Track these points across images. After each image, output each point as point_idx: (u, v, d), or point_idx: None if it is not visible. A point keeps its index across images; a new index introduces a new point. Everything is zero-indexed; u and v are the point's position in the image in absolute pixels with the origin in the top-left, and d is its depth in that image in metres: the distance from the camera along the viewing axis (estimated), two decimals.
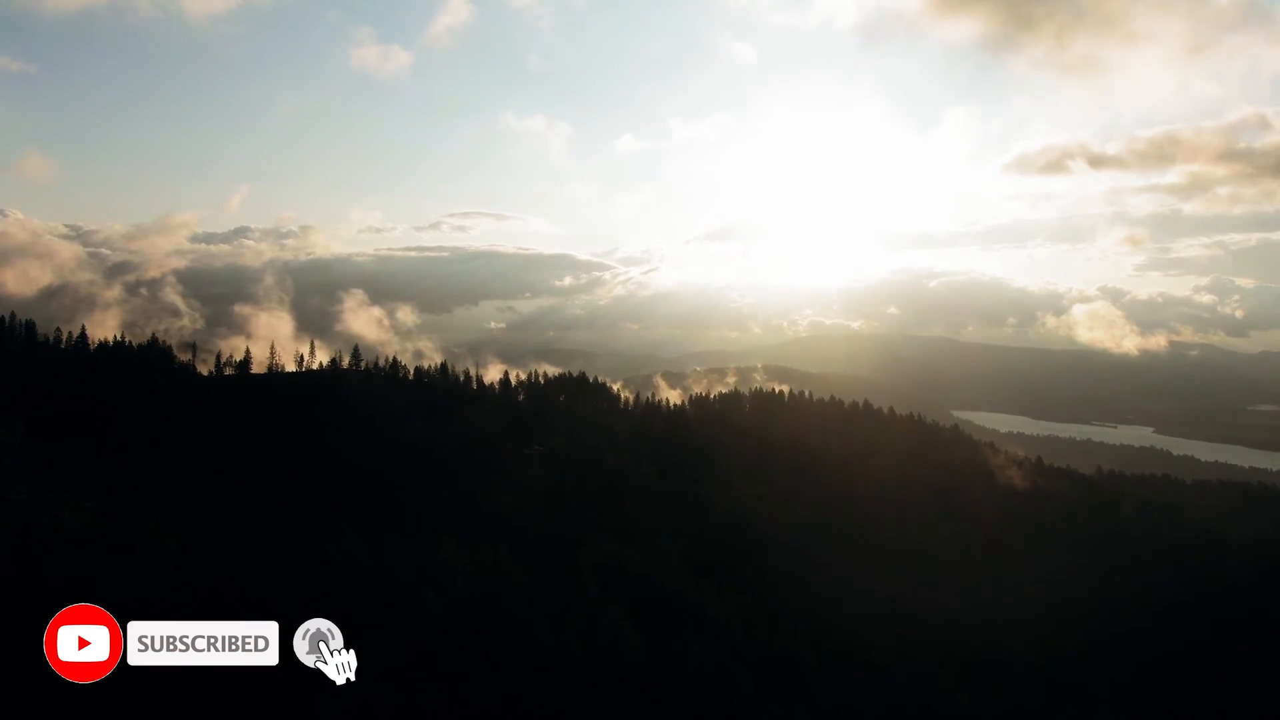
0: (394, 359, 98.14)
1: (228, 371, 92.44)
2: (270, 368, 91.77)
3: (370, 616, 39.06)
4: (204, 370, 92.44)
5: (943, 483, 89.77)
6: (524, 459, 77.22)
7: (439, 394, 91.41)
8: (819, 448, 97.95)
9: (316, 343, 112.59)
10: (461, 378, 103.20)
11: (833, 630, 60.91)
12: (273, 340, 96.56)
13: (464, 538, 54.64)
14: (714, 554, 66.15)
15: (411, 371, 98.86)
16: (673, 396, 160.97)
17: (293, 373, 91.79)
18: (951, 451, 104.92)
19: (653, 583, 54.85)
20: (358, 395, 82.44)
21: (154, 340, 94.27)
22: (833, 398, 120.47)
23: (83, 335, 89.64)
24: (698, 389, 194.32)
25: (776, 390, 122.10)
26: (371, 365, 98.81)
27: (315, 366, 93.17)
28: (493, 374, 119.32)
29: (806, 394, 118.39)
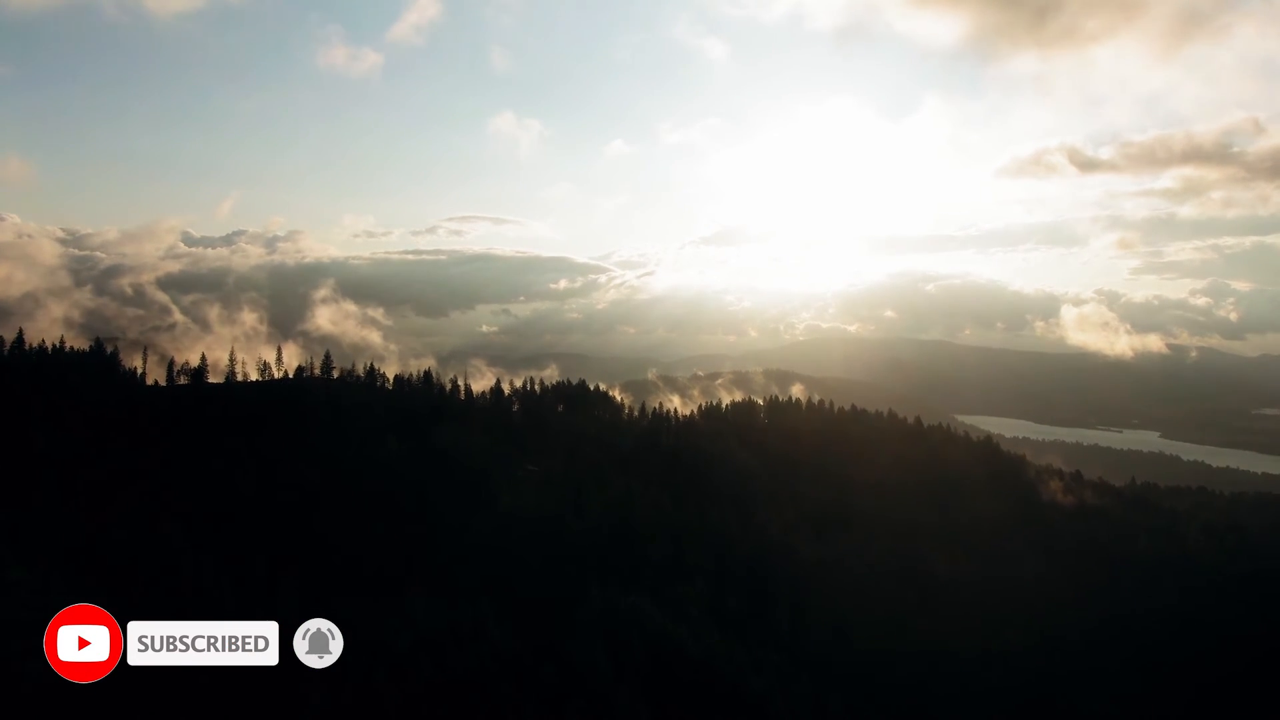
0: (370, 366, 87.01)
1: (182, 380, 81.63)
2: (229, 376, 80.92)
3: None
4: (153, 379, 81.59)
5: (990, 508, 79.60)
6: (517, 482, 66.71)
7: (420, 406, 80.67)
8: (847, 464, 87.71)
9: (293, 348, 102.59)
10: (448, 387, 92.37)
11: (886, 696, 50.72)
12: (233, 345, 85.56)
13: (440, 591, 44.20)
14: (742, 600, 55.84)
15: (390, 380, 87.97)
16: (676, 403, 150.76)
17: (254, 382, 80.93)
18: (991, 468, 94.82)
19: (673, 646, 44.49)
20: (325, 408, 71.82)
21: (98, 345, 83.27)
22: (854, 406, 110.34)
23: (19, 339, 78.73)
24: (703, 395, 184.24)
25: (794, 399, 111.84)
26: (347, 373, 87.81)
27: (279, 375, 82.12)
28: (485, 382, 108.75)
29: (828, 403, 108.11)
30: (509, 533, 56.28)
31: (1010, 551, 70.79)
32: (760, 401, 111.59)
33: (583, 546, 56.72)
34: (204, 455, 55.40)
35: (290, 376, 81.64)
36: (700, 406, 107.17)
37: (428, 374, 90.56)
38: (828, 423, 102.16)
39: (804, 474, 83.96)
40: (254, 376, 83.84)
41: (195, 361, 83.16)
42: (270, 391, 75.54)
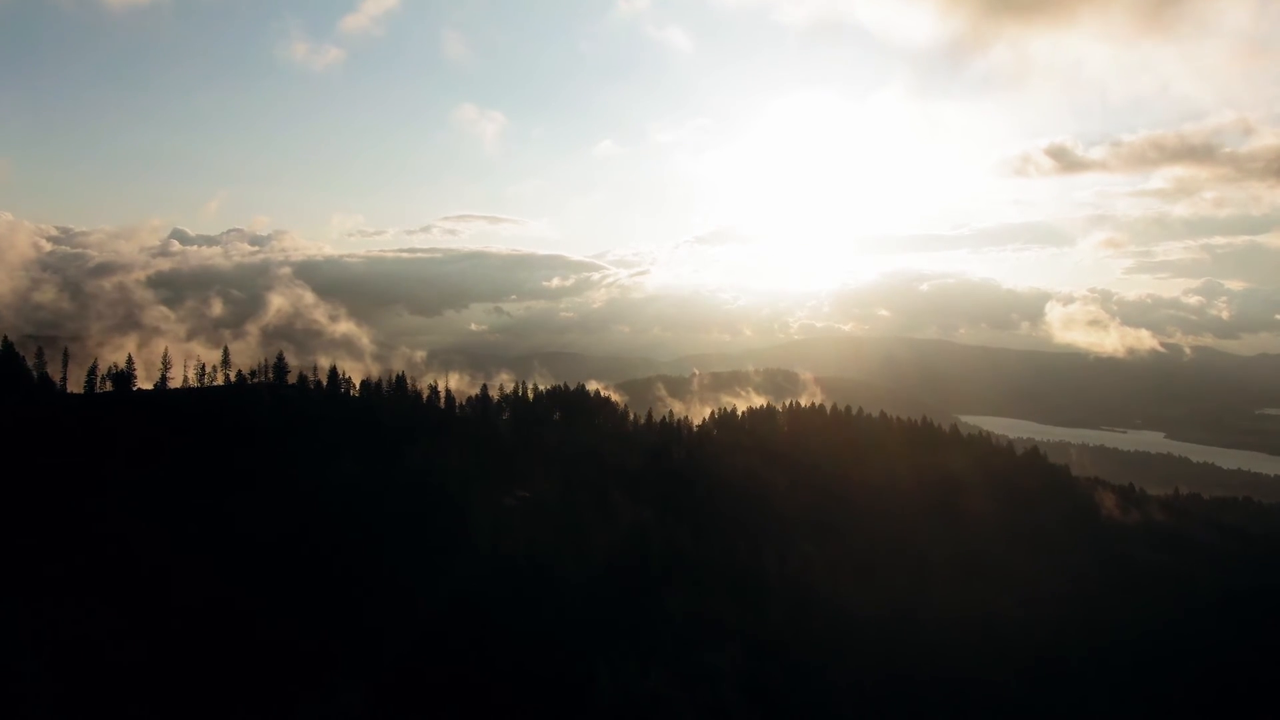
0: (332, 369, 73.69)
1: (107, 387, 68.60)
2: (160, 382, 67.91)
3: None
4: (72, 386, 68.60)
5: (1059, 539, 68.01)
6: (503, 515, 54.39)
7: (390, 418, 68.04)
8: (886, 482, 75.95)
9: (257, 349, 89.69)
10: (425, 393, 79.48)
11: None
12: (166, 347, 72.32)
13: (390, 680, 31.88)
14: (787, 669, 43.82)
15: (356, 387, 74.75)
16: (679, 408, 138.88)
17: (191, 388, 68.04)
18: (1040, 484, 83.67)
19: None
20: (271, 423, 59.23)
21: (7, 346, 70.06)
22: (883, 414, 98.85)
23: None
24: (705, 398, 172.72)
25: (816, 404, 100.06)
26: (311, 376, 74.59)
27: (221, 380, 69.13)
28: (474, 383, 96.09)
29: (855, 409, 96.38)
30: (491, 587, 43.97)
31: (1094, 597, 59.23)
32: (778, 407, 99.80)
33: (586, 603, 44.49)
34: (105, 478, 42.66)
35: (233, 381, 68.76)
36: (714, 414, 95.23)
37: (400, 379, 77.61)
38: (856, 433, 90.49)
39: (839, 493, 72.08)
40: (193, 381, 71.06)
41: (153, 362, 70.46)
42: (205, 400, 62.69)
